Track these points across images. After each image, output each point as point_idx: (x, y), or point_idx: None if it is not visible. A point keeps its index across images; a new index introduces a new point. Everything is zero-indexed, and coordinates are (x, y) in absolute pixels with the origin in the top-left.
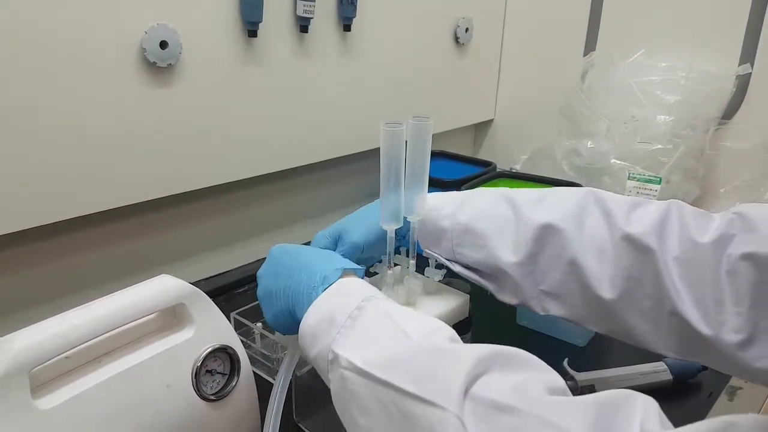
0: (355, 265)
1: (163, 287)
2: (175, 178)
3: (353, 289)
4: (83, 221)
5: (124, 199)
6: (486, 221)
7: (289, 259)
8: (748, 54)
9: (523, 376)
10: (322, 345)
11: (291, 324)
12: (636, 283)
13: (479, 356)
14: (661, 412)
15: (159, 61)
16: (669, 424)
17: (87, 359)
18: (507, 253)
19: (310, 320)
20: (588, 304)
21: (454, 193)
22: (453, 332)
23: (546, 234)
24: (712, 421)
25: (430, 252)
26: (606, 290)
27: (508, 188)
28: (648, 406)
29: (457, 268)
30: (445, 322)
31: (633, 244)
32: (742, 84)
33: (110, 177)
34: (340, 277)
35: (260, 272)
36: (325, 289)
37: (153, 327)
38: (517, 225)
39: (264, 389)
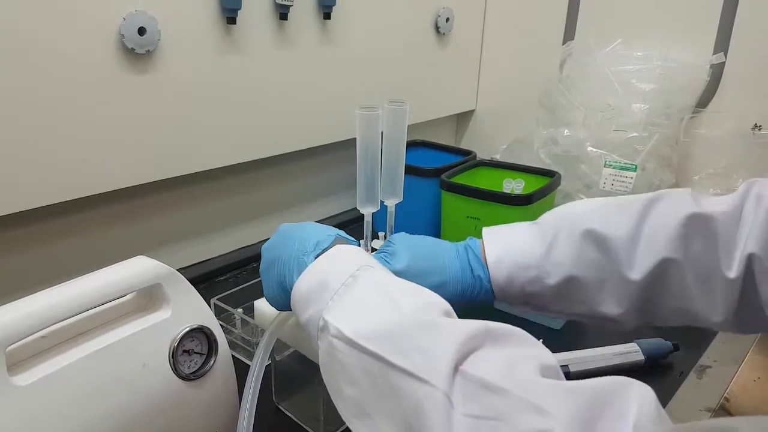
0: (350, 237)
1: (139, 268)
2: (154, 164)
3: (349, 255)
4: (61, 208)
5: (102, 186)
6: (580, 278)
7: (289, 231)
8: (722, 43)
9: (515, 353)
10: (314, 310)
11: (284, 296)
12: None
13: (471, 331)
14: (658, 403)
15: (137, 48)
16: (665, 415)
17: (64, 338)
18: (611, 306)
19: (303, 285)
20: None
21: (528, 231)
22: (447, 306)
23: (652, 283)
24: (712, 422)
25: (508, 304)
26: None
27: (593, 219)
28: (644, 397)
29: (549, 315)
30: None
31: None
32: (716, 73)
33: (88, 163)
34: (334, 243)
35: (264, 246)
36: (317, 255)
37: (130, 307)
38: (618, 278)
39: (244, 374)
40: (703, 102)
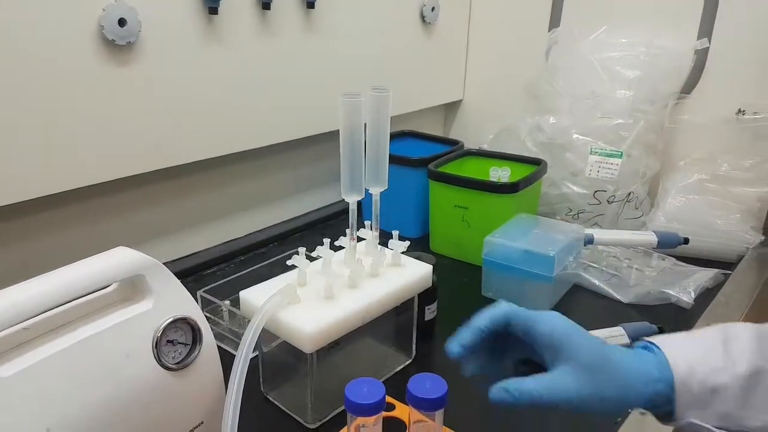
0: None
1: (121, 258)
2: (137, 157)
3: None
4: (42, 203)
5: (84, 180)
6: None
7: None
8: (706, 29)
9: None
10: None
11: None
12: None
13: None
14: None
15: (118, 39)
16: None
17: (46, 329)
18: None
19: None
20: None
21: (695, 337)
22: None
23: None
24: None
25: (691, 421)
26: None
27: (750, 324)
28: None
29: None
30: (410, 291)
31: None
32: (700, 58)
33: (71, 157)
34: None
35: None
36: None
37: (112, 299)
38: None
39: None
40: (688, 88)
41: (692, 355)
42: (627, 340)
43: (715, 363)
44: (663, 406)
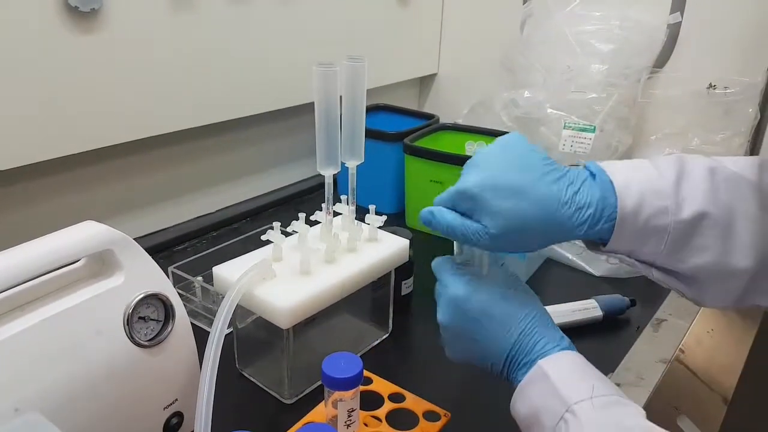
0: (570, 345)
1: (88, 233)
2: (103, 130)
3: (559, 385)
4: (4, 177)
5: (50, 153)
6: (713, 216)
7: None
8: (678, 3)
9: None
10: None
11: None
12: None
13: None
14: None
15: (81, 6)
16: None
17: (12, 307)
18: (740, 256)
19: (518, 409)
20: None
21: (648, 162)
22: None
23: None
24: None
25: (618, 255)
26: None
27: (705, 160)
28: None
29: (655, 274)
30: (387, 266)
31: None
32: (673, 33)
33: (34, 129)
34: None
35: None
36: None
37: (81, 274)
38: (751, 219)
39: (206, 342)
40: (661, 62)
41: (642, 189)
42: (600, 313)
43: (663, 202)
44: (598, 235)
